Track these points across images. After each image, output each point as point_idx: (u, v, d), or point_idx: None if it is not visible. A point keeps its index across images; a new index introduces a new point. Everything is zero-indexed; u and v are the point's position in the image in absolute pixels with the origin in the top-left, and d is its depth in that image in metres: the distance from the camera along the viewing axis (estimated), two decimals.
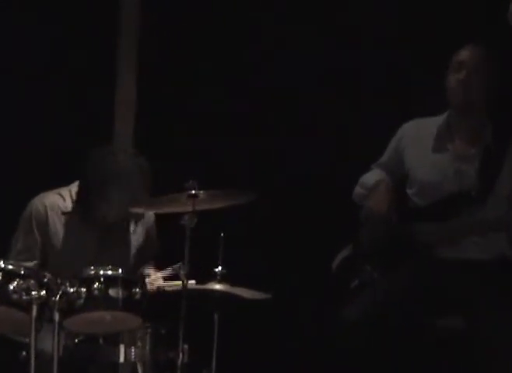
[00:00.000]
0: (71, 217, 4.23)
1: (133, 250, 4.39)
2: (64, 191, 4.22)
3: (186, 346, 3.58)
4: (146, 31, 5.53)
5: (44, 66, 5.23)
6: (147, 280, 4.01)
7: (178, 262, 3.94)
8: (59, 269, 4.03)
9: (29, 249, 4.19)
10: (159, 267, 4.23)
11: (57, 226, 4.23)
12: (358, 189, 4.30)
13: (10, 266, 3.50)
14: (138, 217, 4.33)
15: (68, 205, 4.21)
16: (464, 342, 3.80)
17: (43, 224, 4.20)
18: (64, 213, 4.23)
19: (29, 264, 3.98)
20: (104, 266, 3.90)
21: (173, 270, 4.00)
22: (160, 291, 4.04)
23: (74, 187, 4.22)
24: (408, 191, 4.12)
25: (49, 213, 4.20)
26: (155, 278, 4.14)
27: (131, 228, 4.36)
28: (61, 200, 4.21)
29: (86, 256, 4.21)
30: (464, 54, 4.10)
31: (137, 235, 4.40)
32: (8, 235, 4.30)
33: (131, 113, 5.51)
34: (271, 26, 5.14)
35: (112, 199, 4.11)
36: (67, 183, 4.31)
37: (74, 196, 4.23)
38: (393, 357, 3.82)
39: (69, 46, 5.28)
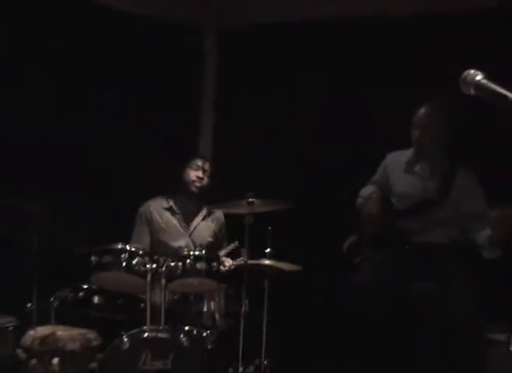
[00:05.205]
0: (170, 212, 4.92)
1: (208, 234, 4.99)
2: (169, 195, 4.95)
3: (247, 301, 4.16)
4: (223, 71, 6.05)
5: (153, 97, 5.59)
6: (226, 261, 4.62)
7: (234, 241, 4.64)
8: (161, 246, 4.78)
9: (141, 237, 4.88)
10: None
11: (158, 220, 4.89)
12: (359, 200, 4.78)
13: (133, 249, 4.17)
14: (209, 212, 4.97)
15: (170, 203, 4.91)
16: (434, 297, 4.17)
17: (149, 219, 4.88)
18: (164, 208, 4.90)
19: (141, 246, 4.52)
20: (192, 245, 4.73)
21: (232, 247, 4.64)
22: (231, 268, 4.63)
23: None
24: (392, 199, 4.61)
25: (153, 211, 4.89)
26: (227, 260, 4.72)
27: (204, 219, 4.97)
28: (163, 201, 4.92)
29: (178, 238, 4.92)
30: (418, 116, 4.46)
31: (209, 225, 5.02)
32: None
33: (210, 139, 6.15)
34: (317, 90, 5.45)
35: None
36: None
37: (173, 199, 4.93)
38: (383, 308, 4.22)
39: (167, 83, 5.68)
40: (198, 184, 4.85)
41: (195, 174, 4.86)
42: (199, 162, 4.89)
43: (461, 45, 4.74)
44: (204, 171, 4.87)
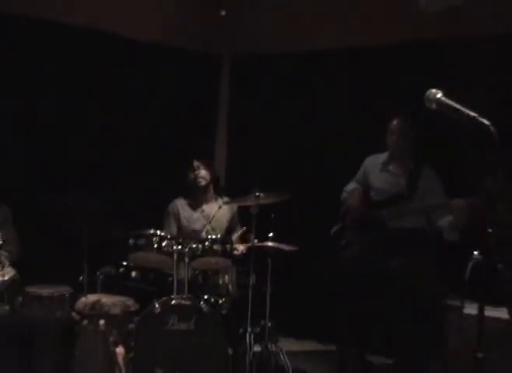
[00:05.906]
0: (191, 206, 5.32)
1: (223, 221, 5.36)
2: (188, 192, 5.32)
3: (254, 275, 4.50)
4: (236, 90, 6.62)
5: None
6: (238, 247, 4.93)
7: (243, 227, 4.99)
8: (186, 234, 5.14)
9: (171, 228, 5.34)
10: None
11: (184, 213, 5.33)
12: (343, 194, 5.15)
13: (162, 234, 4.67)
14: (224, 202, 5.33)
15: (191, 199, 5.31)
16: (404, 270, 4.49)
17: (176, 214, 5.40)
18: (187, 203, 5.29)
19: (169, 233, 4.95)
20: (210, 232, 5.06)
21: (242, 231, 4.97)
22: (243, 252, 4.96)
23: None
24: (371, 193, 5.01)
25: (179, 207, 5.35)
26: (239, 246, 5.08)
27: (218, 210, 5.27)
28: (186, 198, 5.36)
29: (200, 225, 5.33)
30: (394, 124, 4.83)
31: (224, 213, 5.37)
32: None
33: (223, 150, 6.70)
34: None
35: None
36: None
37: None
38: (364, 280, 4.58)
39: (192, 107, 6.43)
40: (199, 180, 5.31)
41: (193, 173, 5.32)
42: (195, 163, 5.34)
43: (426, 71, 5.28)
44: (199, 168, 5.31)
